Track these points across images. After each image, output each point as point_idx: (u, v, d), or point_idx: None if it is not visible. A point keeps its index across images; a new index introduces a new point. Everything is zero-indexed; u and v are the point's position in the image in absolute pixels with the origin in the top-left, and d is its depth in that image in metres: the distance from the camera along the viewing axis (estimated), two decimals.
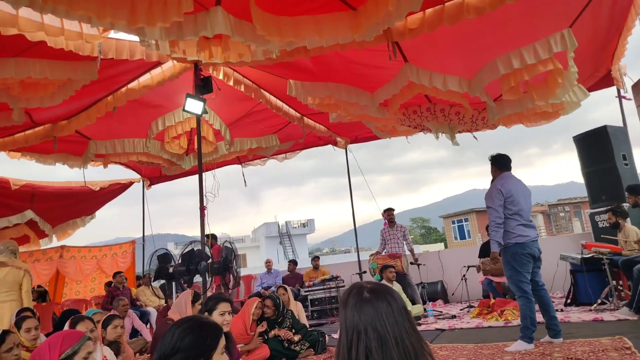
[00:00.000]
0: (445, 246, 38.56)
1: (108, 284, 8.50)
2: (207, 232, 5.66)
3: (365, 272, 8.31)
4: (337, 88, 5.57)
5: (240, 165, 9.08)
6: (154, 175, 9.53)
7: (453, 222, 39.00)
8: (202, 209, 5.40)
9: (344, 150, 9.17)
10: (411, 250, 7.77)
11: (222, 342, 1.50)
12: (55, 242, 9.95)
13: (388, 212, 7.89)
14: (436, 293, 8.01)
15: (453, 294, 8.00)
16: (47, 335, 4.09)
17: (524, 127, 6.70)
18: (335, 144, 8.90)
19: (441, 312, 6.68)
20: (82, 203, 9.42)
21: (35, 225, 8.97)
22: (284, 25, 3.65)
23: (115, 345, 3.62)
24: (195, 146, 6.89)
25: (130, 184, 9.73)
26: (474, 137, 6.87)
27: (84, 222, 9.95)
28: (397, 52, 4.33)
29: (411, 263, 7.60)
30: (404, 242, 7.76)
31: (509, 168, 4.37)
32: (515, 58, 4.37)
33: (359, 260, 8.93)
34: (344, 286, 8.43)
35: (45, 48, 3.98)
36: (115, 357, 3.47)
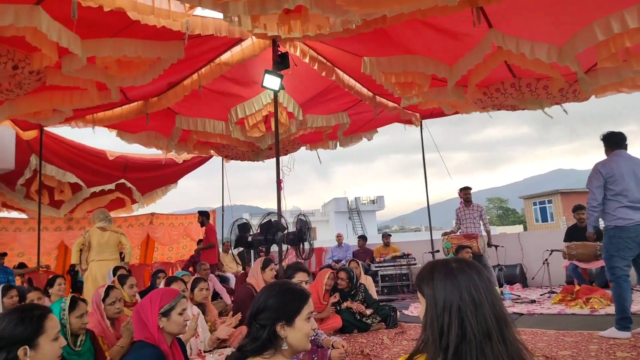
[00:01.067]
0: (525, 228, 36.56)
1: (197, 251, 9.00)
2: (283, 205, 5.86)
3: (438, 251, 8.16)
4: (414, 60, 5.37)
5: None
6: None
7: (534, 204, 36.73)
8: (279, 182, 5.58)
9: (418, 127, 8.93)
10: (488, 232, 7.48)
11: (308, 308, 1.55)
12: (145, 209, 10.86)
13: (464, 191, 7.62)
14: (514, 276, 7.67)
15: (533, 278, 7.62)
16: (140, 292, 4.53)
17: (620, 101, 6.10)
18: (409, 122, 8.67)
19: (519, 296, 6.41)
20: (167, 173, 10.11)
21: (128, 192, 9.84)
22: None
23: (201, 306, 3.92)
24: (271, 125, 7.14)
25: (210, 157, 10.27)
26: (564, 110, 6.35)
27: (167, 190, 10.71)
28: (481, 18, 4.08)
29: (488, 245, 7.33)
30: (481, 223, 7.48)
31: (621, 146, 4.04)
32: (615, 22, 3.93)
33: (431, 239, 8.77)
34: (415, 264, 8.36)
35: (137, 29, 4.27)
36: (203, 315, 3.77)
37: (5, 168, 7.76)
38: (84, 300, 2.83)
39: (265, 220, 5.26)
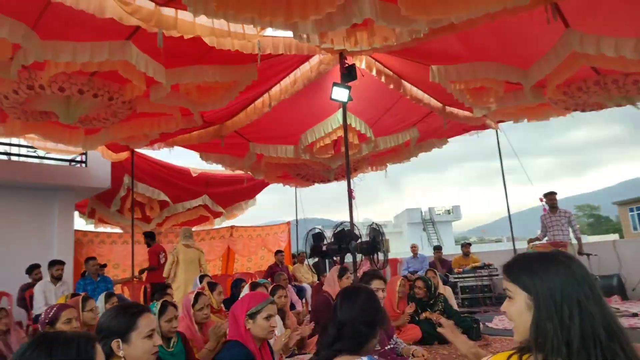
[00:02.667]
0: (621, 236, 33.22)
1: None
2: (354, 217, 5.89)
3: None
4: (485, 67, 5.19)
5: None
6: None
7: (631, 210, 33.25)
8: (350, 191, 5.62)
9: (494, 132, 8.56)
10: (578, 239, 6.92)
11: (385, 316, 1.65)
12: (225, 223, 11.46)
13: (550, 197, 7.15)
14: (611, 287, 7.02)
15: (634, 289, 6.93)
16: (223, 302, 4.78)
17: None
18: (483, 128, 8.35)
19: (618, 309, 5.85)
20: (245, 188, 10.60)
21: (209, 208, 10.45)
22: (429, 2, 3.56)
23: (280, 313, 4.04)
24: (340, 148, 7.23)
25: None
26: None
27: (247, 205, 11.22)
28: (556, 15, 3.87)
29: (579, 253, 6.79)
30: (570, 230, 6.95)
31: None
32: None
33: (514, 249, 8.31)
34: (497, 275, 7.95)
35: (214, 55, 4.58)
36: (283, 322, 3.89)
37: (102, 187, 8.61)
38: (174, 306, 3.05)
39: (338, 229, 5.32)
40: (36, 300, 5.88)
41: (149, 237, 8.22)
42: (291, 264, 10.36)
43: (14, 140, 8.07)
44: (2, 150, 8.10)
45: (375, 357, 1.58)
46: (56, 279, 6.07)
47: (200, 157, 8.03)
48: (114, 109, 5.06)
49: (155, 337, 1.91)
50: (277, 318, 3.83)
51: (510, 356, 1.10)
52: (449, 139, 8.83)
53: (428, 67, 5.34)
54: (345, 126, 5.75)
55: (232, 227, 11.39)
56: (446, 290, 5.60)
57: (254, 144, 7.49)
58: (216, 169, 10.15)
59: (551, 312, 1.04)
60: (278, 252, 9.49)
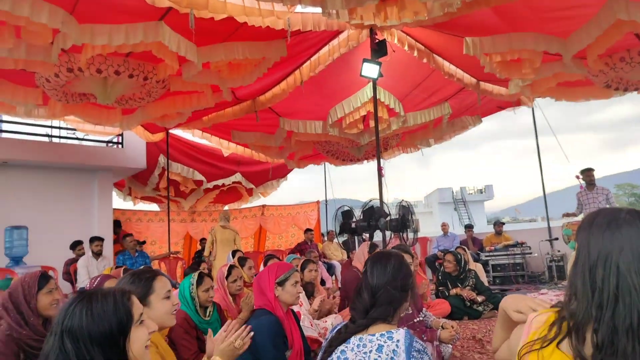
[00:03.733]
0: None
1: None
2: (384, 197, 5.88)
3: (556, 238, 7.54)
4: (522, 38, 5.00)
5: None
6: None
7: None
8: (380, 168, 5.62)
9: (530, 109, 8.30)
10: None
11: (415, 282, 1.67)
12: (257, 202, 11.69)
13: (587, 173, 6.93)
14: None
15: None
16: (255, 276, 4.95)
17: None
18: (518, 104, 8.10)
19: None
20: (277, 167, 10.74)
21: (243, 185, 10.68)
22: None
23: (310, 285, 4.15)
24: (369, 124, 7.17)
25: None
26: None
27: (279, 184, 11.38)
28: None
29: None
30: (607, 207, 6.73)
31: None
32: None
33: (548, 226, 8.14)
34: (530, 253, 7.83)
35: (243, 32, 4.62)
36: (311, 295, 4.00)
37: (138, 167, 8.91)
38: (210, 277, 3.19)
39: (367, 207, 5.35)
40: (79, 274, 6.24)
41: (117, 225, 8.71)
42: (320, 242, 10.51)
43: (55, 123, 8.42)
44: (44, 133, 8.47)
45: (410, 331, 1.59)
46: (97, 254, 6.40)
47: (232, 135, 8.17)
48: (149, 88, 5.20)
49: (172, 297, 2.00)
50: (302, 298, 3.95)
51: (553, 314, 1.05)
52: (482, 118, 8.63)
53: (461, 40, 5.21)
54: (375, 101, 5.71)
55: (263, 206, 11.62)
56: (477, 267, 5.57)
57: (284, 120, 7.55)
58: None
59: (584, 269, 1.00)
60: (307, 230, 9.64)
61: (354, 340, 1.57)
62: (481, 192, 40.65)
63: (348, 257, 8.68)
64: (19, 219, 6.61)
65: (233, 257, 5.16)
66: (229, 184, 10.48)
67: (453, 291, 4.70)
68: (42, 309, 2.24)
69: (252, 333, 1.84)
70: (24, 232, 6.47)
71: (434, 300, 4.77)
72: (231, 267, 3.67)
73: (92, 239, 6.54)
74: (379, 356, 1.48)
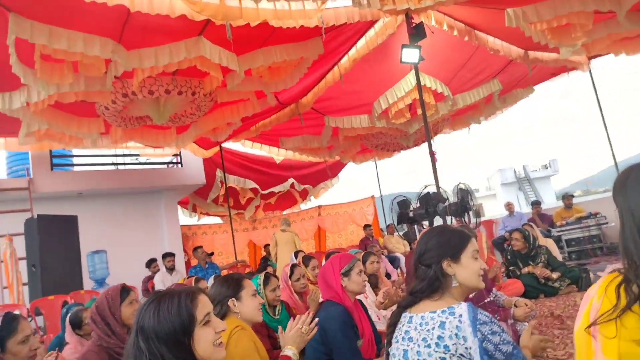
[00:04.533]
0: None
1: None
2: (441, 181, 5.73)
3: None
4: (567, 1, 4.70)
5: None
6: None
7: None
8: (432, 153, 5.49)
9: (586, 71, 7.76)
10: None
11: (472, 246, 1.57)
12: (312, 203, 11.82)
13: None
14: None
15: None
16: None
17: None
18: (573, 68, 7.61)
19: None
20: (331, 166, 10.80)
21: (296, 189, 10.85)
22: None
23: (373, 277, 4.13)
24: (417, 111, 7.02)
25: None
26: None
27: (332, 184, 11.44)
28: None
29: None
30: None
31: None
32: None
33: None
34: (606, 223, 7.31)
35: (279, 35, 4.70)
36: (375, 287, 3.99)
37: (198, 184, 9.32)
38: (276, 277, 3.27)
39: (423, 193, 5.24)
40: (157, 289, 6.61)
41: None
42: (381, 237, 10.42)
43: (119, 151, 9.01)
44: (110, 162, 9.08)
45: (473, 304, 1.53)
46: (170, 269, 6.76)
47: (281, 142, 8.33)
48: (198, 103, 5.43)
49: (257, 296, 2.20)
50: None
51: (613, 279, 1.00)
52: (535, 87, 8.20)
53: (502, 12, 4.98)
54: (420, 87, 5.60)
55: (319, 206, 11.72)
56: (548, 243, 5.28)
57: (329, 117, 7.58)
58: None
59: (632, 231, 0.94)
60: (366, 226, 9.61)
61: (416, 319, 1.53)
62: (546, 168, 38.40)
63: (410, 248, 8.55)
64: (98, 244, 7.11)
65: (296, 257, 5.26)
66: (284, 190, 10.68)
67: (525, 270, 4.49)
68: (126, 319, 2.41)
69: (317, 319, 1.88)
70: (104, 256, 6.96)
71: (505, 281, 4.58)
72: (293, 267, 3.74)
73: (165, 255, 6.92)
74: (443, 333, 1.44)
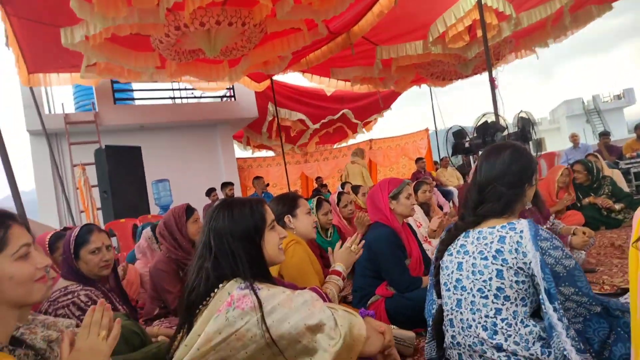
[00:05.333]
0: None
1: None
2: (501, 111, 5.43)
3: None
4: None
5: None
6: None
7: None
8: (492, 80, 5.19)
9: None
10: None
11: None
12: (363, 137, 11.73)
13: None
14: None
15: None
16: None
17: None
18: None
19: None
20: (385, 96, 10.55)
21: (348, 121, 10.76)
22: None
23: (425, 206, 4.14)
24: (477, 33, 6.51)
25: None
26: None
27: (382, 115, 11.22)
28: None
29: None
30: None
31: None
32: None
33: None
34: None
35: None
36: (427, 215, 4.00)
37: (251, 117, 9.49)
38: (328, 202, 3.38)
39: (481, 122, 5.04)
40: None
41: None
42: (434, 171, 10.27)
43: (175, 86, 9.26)
44: (168, 96, 9.39)
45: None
46: (230, 197, 7.13)
47: (332, 73, 8.16)
48: (248, 34, 5.38)
49: (312, 215, 2.32)
50: (418, 208, 3.95)
51: None
52: (613, 4, 7.32)
53: None
54: (481, 5, 5.20)
55: (370, 140, 11.63)
56: (614, 173, 4.98)
57: (381, 47, 7.26)
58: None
59: None
60: (419, 159, 9.47)
61: (473, 233, 1.54)
62: (619, 98, 35.14)
63: (465, 181, 8.39)
64: (161, 174, 7.56)
65: (342, 187, 5.37)
66: (335, 124, 10.63)
67: (586, 200, 4.30)
68: (191, 235, 2.62)
69: (363, 240, 1.95)
70: (167, 185, 7.41)
71: (565, 213, 4.42)
72: (340, 194, 3.85)
73: (224, 185, 7.27)
74: (502, 247, 1.44)
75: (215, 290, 1.26)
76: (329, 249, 2.16)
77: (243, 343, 1.18)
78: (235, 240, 1.31)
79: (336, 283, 1.79)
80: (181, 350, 1.22)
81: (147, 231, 3.20)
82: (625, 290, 2.26)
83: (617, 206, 4.19)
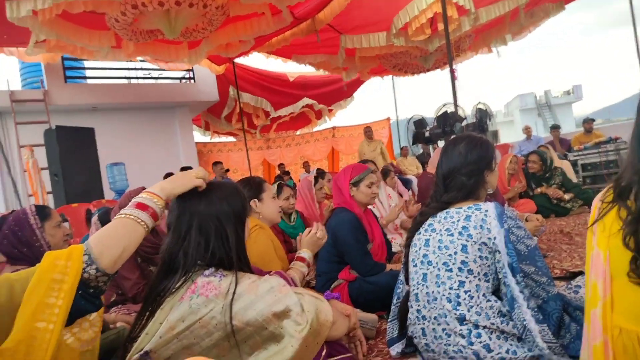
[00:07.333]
0: None
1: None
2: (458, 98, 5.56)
3: None
4: None
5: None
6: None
7: None
8: (452, 71, 5.30)
9: None
10: None
11: (498, 156, 1.62)
12: (326, 124, 11.73)
13: None
14: None
15: None
16: None
17: None
18: None
19: None
20: (341, 87, 10.57)
21: (312, 109, 10.70)
22: None
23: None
24: (438, 27, 6.61)
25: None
26: None
27: (346, 104, 11.25)
28: None
29: None
30: None
31: None
32: None
33: None
34: (625, 148, 7.18)
35: None
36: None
37: (211, 100, 9.25)
38: (289, 187, 3.36)
39: (441, 112, 5.16)
40: None
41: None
42: (394, 159, 10.45)
43: (131, 65, 8.87)
44: (123, 76, 8.99)
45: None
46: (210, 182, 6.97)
47: (294, 59, 8.07)
48: (210, 16, 5.21)
49: (277, 199, 2.33)
50: (391, 190, 4.00)
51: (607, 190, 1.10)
52: (565, 5, 7.63)
53: None
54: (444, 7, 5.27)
55: (333, 128, 11.66)
56: (564, 164, 5.25)
57: (345, 37, 7.25)
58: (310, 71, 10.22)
59: (633, 139, 1.05)
60: None
61: (441, 214, 1.62)
62: (569, 94, 37.02)
63: (424, 169, 8.59)
64: (116, 157, 7.25)
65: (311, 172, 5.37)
66: (298, 111, 10.55)
67: (538, 190, 4.51)
68: None
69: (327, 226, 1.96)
70: (122, 168, 7.12)
71: (518, 201, 4.62)
72: (317, 177, 3.86)
73: (182, 170, 7.06)
74: (468, 224, 1.52)
75: (181, 278, 1.22)
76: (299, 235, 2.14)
77: (207, 331, 1.15)
78: (230, 224, 1.28)
79: (300, 270, 1.79)
80: (142, 338, 1.18)
81: (95, 218, 3.07)
82: (573, 274, 2.40)
83: (567, 196, 4.41)
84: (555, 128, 8.58)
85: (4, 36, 5.68)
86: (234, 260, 1.25)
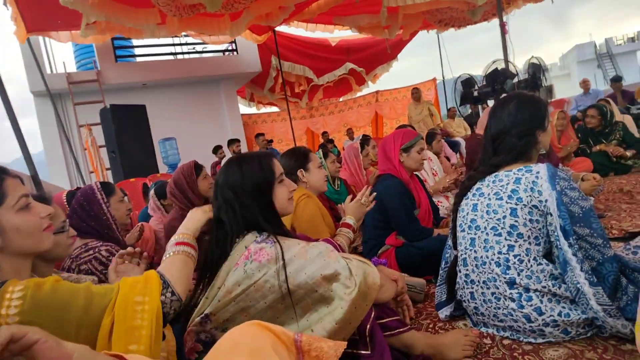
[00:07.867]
0: None
1: None
2: (509, 53, 5.27)
3: None
4: None
5: None
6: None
7: None
8: (503, 24, 5.02)
9: None
10: None
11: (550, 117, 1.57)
12: (369, 89, 11.52)
13: None
14: None
15: None
16: None
17: None
18: None
19: None
20: (385, 48, 10.29)
21: (354, 74, 10.53)
22: None
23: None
24: None
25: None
26: None
27: (390, 66, 10.96)
28: None
29: None
30: None
31: None
32: None
33: None
34: None
35: None
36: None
37: (254, 71, 9.31)
38: (332, 152, 3.40)
39: (491, 69, 4.93)
40: None
41: None
42: (441, 121, 10.15)
43: (176, 40, 9.05)
44: (169, 52, 9.20)
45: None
46: (236, 154, 7.15)
47: (335, 21, 7.90)
48: None
49: (323, 168, 2.35)
50: (434, 157, 3.94)
51: None
52: None
53: None
54: None
55: (376, 92, 11.44)
56: (626, 118, 4.89)
57: None
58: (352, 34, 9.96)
59: None
60: None
61: (490, 177, 1.58)
62: (633, 41, 33.91)
63: (472, 131, 8.31)
64: (167, 132, 7.55)
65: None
66: (340, 75, 10.40)
67: (597, 148, 4.26)
68: (203, 192, 2.64)
69: (374, 193, 1.96)
70: (174, 143, 7.42)
71: (574, 160, 4.40)
72: (363, 143, 3.85)
73: (231, 141, 7.27)
74: (517, 187, 1.48)
75: (233, 245, 1.30)
76: (340, 205, 2.18)
77: (262, 294, 1.22)
78: (247, 194, 1.35)
79: (347, 235, 1.83)
80: (203, 302, 1.27)
81: (152, 192, 3.26)
82: (633, 235, 2.29)
83: (629, 153, 4.15)
84: (616, 81, 7.97)
85: (57, 21, 5.95)
86: (262, 225, 1.33)
